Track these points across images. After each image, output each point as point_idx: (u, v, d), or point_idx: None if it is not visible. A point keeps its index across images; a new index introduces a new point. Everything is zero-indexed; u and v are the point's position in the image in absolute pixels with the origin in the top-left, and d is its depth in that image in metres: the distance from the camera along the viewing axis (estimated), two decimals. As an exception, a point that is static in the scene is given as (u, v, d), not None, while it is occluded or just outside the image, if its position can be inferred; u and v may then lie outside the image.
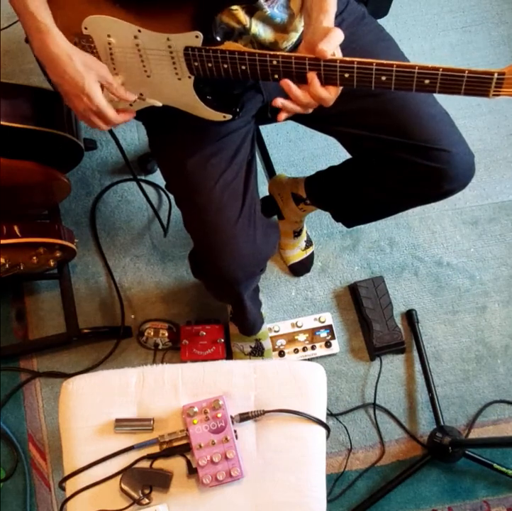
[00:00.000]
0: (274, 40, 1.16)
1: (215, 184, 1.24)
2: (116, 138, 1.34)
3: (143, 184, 1.96)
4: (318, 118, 1.38)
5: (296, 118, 1.46)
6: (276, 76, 1.06)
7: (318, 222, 1.94)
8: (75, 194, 1.95)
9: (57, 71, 1.08)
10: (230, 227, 1.24)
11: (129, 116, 1.18)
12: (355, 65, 0.99)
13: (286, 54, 1.03)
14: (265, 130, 2.00)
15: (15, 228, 1.53)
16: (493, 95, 0.94)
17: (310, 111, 1.08)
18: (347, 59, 0.99)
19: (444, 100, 2.12)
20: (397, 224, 1.94)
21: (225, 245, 1.25)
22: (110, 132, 1.25)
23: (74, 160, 1.69)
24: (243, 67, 1.06)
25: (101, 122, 1.14)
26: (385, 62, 0.98)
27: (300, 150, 2.02)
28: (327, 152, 1.99)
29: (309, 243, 1.89)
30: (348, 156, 1.44)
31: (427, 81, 0.97)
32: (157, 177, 1.98)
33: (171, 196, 1.94)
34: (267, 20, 1.13)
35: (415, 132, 1.23)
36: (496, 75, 0.92)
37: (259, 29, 1.13)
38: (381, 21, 1.35)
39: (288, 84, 1.03)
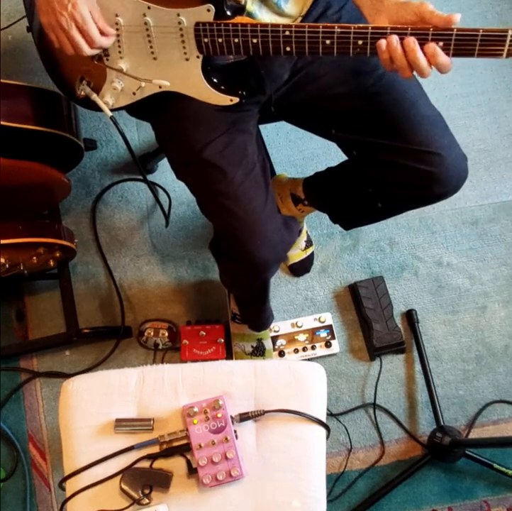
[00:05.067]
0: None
1: (236, 172, 1.24)
2: (121, 130, 1.28)
3: (143, 184, 1.96)
4: (313, 120, 1.39)
5: (294, 119, 1.47)
6: (287, 48, 1.05)
7: (318, 222, 1.94)
8: (75, 194, 1.95)
9: None
10: (258, 214, 1.25)
11: (111, 39, 1.12)
12: (369, 31, 1.00)
13: (299, 24, 1.02)
14: (265, 130, 2.00)
15: (15, 228, 1.53)
16: (508, 55, 0.94)
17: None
18: (362, 25, 1.00)
19: (444, 100, 2.13)
20: (397, 224, 1.94)
21: (255, 231, 1.25)
22: (115, 124, 1.22)
23: (74, 160, 1.69)
24: (254, 41, 1.05)
25: (82, 40, 1.07)
26: (400, 26, 0.98)
27: (300, 150, 2.02)
28: (327, 152, 1.99)
29: (309, 243, 1.89)
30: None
31: (441, 44, 0.97)
32: (157, 177, 1.97)
33: (172, 196, 1.95)
34: (264, 1, 1.12)
35: (407, 135, 1.24)
36: (510, 32, 0.93)
37: (255, 8, 1.12)
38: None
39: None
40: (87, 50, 1.10)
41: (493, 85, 2.10)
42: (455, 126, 1.29)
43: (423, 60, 0.99)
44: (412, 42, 0.98)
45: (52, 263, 1.66)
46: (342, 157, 1.46)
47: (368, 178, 1.37)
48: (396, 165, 1.27)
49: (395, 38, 0.99)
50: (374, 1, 1.06)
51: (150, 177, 1.98)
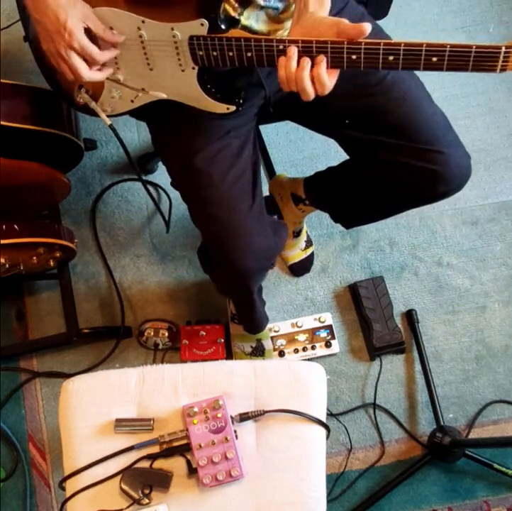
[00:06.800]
0: (267, 32, 1.15)
1: (224, 179, 1.24)
2: (120, 138, 1.31)
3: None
4: (316, 119, 1.39)
5: (295, 118, 1.47)
6: None
7: (318, 222, 1.94)
8: (75, 194, 1.95)
9: (40, 5, 1.04)
10: (243, 221, 1.25)
11: (112, 54, 1.12)
12: (363, 46, 0.97)
13: (293, 38, 1.02)
14: (265, 130, 2.00)
15: (15, 228, 1.53)
16: (501, 70, 0.93)
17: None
18: (354, 41, 0.98)
19: (444, 100, 2.13)
20: (397, 224, 1.94)
21: (238, 238, 1.25)
22: (114, 132, 1.22)
23: (74, 160, 1.69)
24: (249, 54, 1.05)
25: (82, 64, 1.08)
26: (393, 41, 0.97)
27: (300, 150, 2.02)
28: (327, 152, 1.99)
29: (309, 243, 1.89)
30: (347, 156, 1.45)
31: (434, 59, 0.95)
32: (157, 177, 1.97)
33: (172, 196, 1.95)
34: (261, 11, 1.12)
35: (411, 133, 1.24)
36: (503, 49, 0.91)
37: (251, 22, 1.12)
38: (381, 22, 1.35)
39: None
40: (86, 77, 1.11)
41: (493, 85, 2.10)
42: (455, 126, 1.29)
43: (307, 80, 0.99)
44: (306, 60, 0.98)
45: (52, 263, 1.66)
46: (342, 157, 1.46)
47: (369, 178, 1.37)
48: (397, 164, 1.26)
49: (294, 50, 0.98)
50: (301, 8, 1.04)
51: (150, 177, 1.98)
